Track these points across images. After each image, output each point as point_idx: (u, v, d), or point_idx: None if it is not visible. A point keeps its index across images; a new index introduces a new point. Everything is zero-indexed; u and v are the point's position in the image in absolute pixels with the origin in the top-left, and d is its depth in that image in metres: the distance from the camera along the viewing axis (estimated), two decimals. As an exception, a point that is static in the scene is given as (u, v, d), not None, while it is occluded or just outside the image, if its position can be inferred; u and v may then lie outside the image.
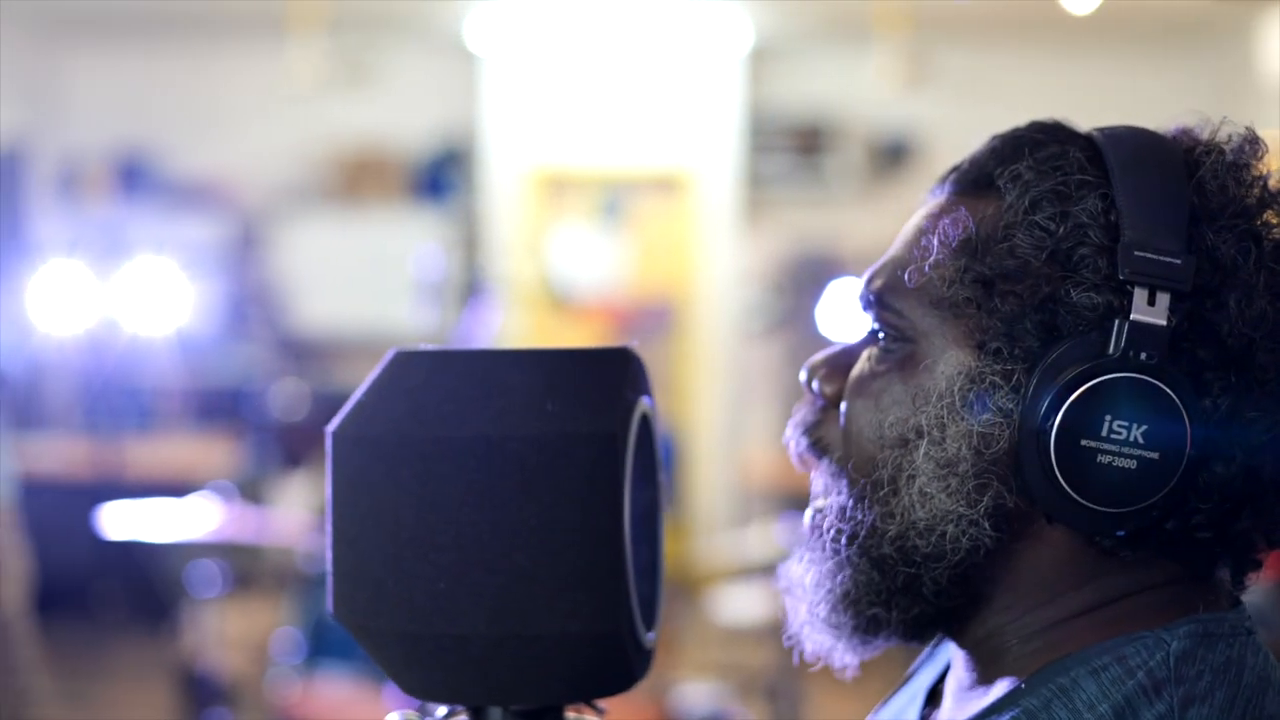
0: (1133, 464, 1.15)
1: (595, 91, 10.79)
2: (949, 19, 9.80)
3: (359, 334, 10.42)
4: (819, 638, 1.33)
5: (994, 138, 1.29)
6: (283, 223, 10.94)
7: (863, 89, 10.36)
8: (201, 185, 10.97)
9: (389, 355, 1.37)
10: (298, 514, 6.69)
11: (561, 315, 10.96)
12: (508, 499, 1.28)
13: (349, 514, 1.33)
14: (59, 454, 9.26)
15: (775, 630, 1.40)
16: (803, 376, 1.37)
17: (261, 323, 10.28)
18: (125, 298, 8.12)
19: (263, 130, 11.01)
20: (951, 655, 1.35)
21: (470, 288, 7.86)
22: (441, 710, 1.40)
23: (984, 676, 1.27)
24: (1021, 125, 1.28)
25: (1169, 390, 1.14)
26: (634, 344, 1.40)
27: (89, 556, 8.29)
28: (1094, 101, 9.74)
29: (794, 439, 1.36)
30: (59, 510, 7.86)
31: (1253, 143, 1.23)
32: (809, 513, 1.34)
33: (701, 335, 10.90)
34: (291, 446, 8.34)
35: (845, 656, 1.34)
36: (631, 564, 1.31)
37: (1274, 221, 1.20)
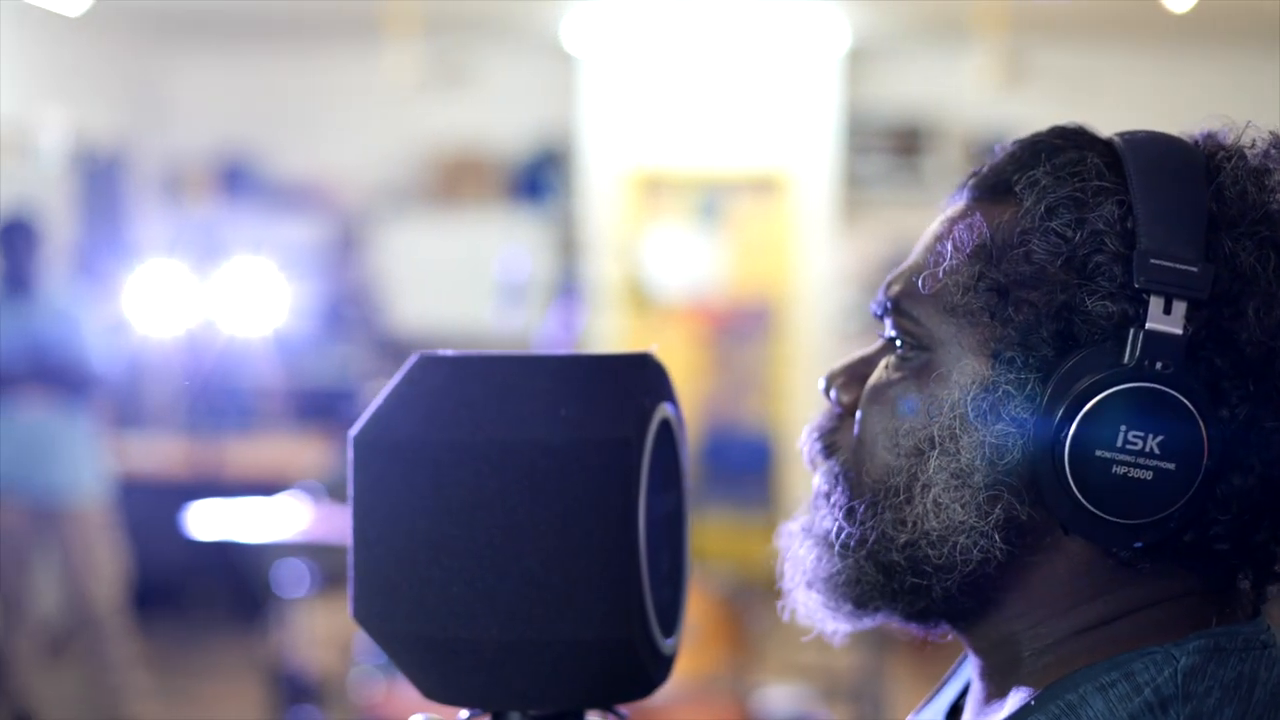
0: (1149, 475, 1.13)
1: (692, 92, 10.78)
2: (1047, 18, 9.72)
3: (455, 335, 10.45)
4: (818, 611, 1.33)
5: (1014, 143, 1.27)
6: (381, 224, 11.00)
7: (961, 89, 10.30)
8: (301, 187, 11.05)
9: (411, 360, 1.37)
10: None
11: (657, 317, 10.95)
12: (519, 504, 1.28)
13: (368, 518, 1.33)
14: (157, 453, 9.35)
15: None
16: (821, 384, 1.36)
17: (358, 323, 10.35)
18: (224, 298, 8.19)
19: (362, 132, 11.08)
20: (971, 671, 1.33)
21: (559, 289, 7.88)
22: (463, 714, 1.41)
23: (999, 689, 1.26)
24: (1043, 131, 1.27)
25: (1185, 400, 1.12)
26: (654, 350, 1.39)
27: (184, 555, 8.37)
28: (1193, 101, 9.63)
29: (807, 443, 1.35)
30: (156, 509, 7.93)
31: (1277, 147, 1.21)
32: (811, 507, 1.34)
33: (798, 337, 10.87)
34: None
35: (838, 626, 1.34)
36: (647, 570, 1.30)
37: None
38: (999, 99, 10.02)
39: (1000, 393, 1.18)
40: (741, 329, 10.96)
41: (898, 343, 1.28)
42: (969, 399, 1.20)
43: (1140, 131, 1.23)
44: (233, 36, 11.00)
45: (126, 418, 9.73)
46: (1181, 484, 1.13)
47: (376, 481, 1.33)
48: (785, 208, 10.88)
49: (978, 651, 1.29)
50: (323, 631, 6.50)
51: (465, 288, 10.48)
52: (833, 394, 1.34)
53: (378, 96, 10.73)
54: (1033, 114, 10.50)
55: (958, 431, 1.20)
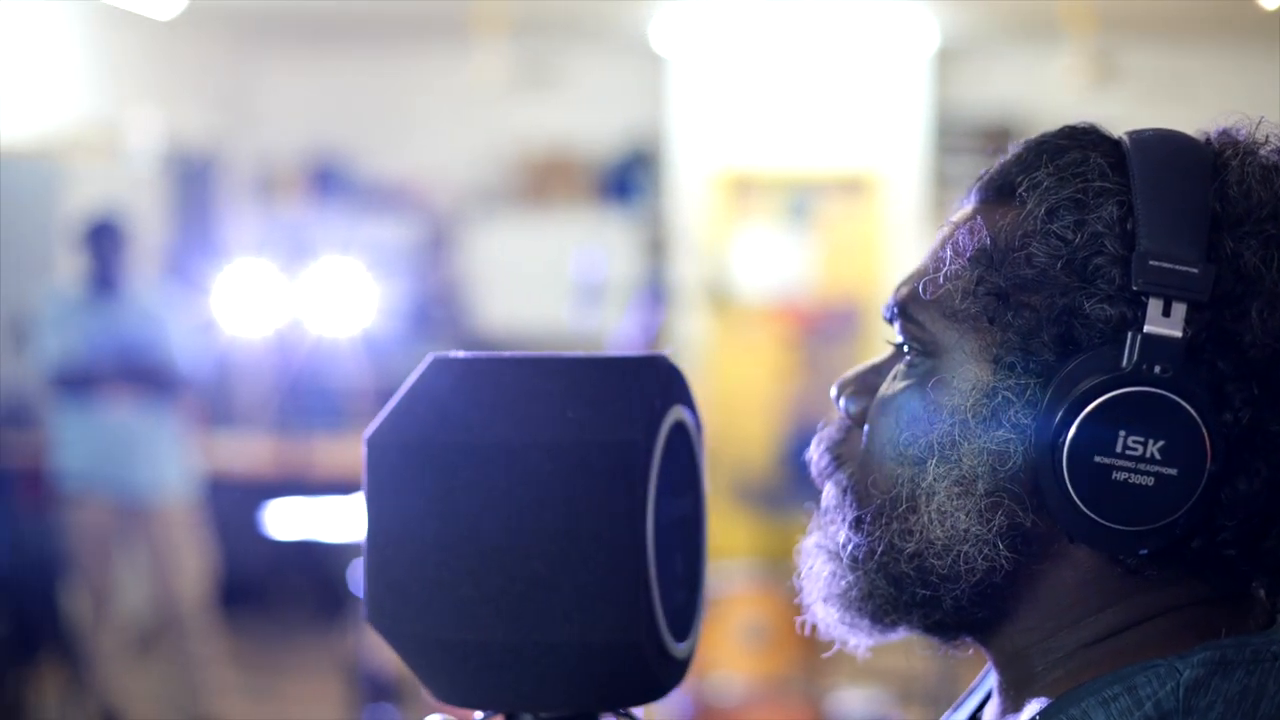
0: (1150, 481, 1.11)
1: (781, 92, 10.77)
2: (1138, 17, 9.64)
3: (543, 335, 10.48)
4: (836, 626, 1.32)
5: (1022, 143, 1.25)
6: (470, 224, 11.05)
7: (1050, 88, 10.22)
8: (392, 188, 11.12)
9: (426, 361, 1.38)
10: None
11: (744, 318, 10.94)
12: (525, 506, 1.27)
13: (379, 519, 1.34)
14: (246, 453, 9.43)
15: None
16: (833, 393, 1.35)
17: (445, 323, 10.38)
18: (313, 298, 8.24)
19: (451, 132, 11.13)
20: (993, 683, 1.32)
21: (644, 289, 7.88)
22: (478, 715, 1.41)
23: (1014, 704, 1.24)
24: (1052, 130, 1.25)
25: (1185, 404, 1.10)
26: (669, 353, 1.39)
27: (270, 553, 8.43)
28: (1289, 100, 9.51)
29: (815, 455, 1.33)
30: (244, 508, 8.00)
31: None
32: (818, 522, 1.32)
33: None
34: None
35: (858, 640, 1.32)
36: (655, 574, 1.30)
37: None
38: (1089, 98, 9.93)
39: (1000, 398, 1.16)
40: (829, 330, 10.92)
41: (906, 349, 1.27)
42: (969, 405, 1.18)
43: (1150, 129, 1.21)
44: (324, 38, 11.07)
45: (216, 417, 9.81)
46: (1185, 490, 1.11)
47: (387, 483, 1.33)
48: (874, 208, 10.85)
49: (996, 665, 1.27)
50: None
51: (552, 288, 10.50)
52: (842, 404, 1.32)
53: (467, 97, 10.77)
54: (1123, 114, 10.37)
55: (958, 439, 1.18)
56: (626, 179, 11.05)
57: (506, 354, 1.37)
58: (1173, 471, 1.11)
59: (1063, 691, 1.17)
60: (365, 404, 10.14)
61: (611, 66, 11.03)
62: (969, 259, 1.20)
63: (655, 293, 6.55)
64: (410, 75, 11.19)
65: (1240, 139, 1.20)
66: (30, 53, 8.69)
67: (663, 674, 1.35)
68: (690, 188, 10.87)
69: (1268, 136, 1.19)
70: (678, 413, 1.39)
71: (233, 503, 8.29)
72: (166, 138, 9.77)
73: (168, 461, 7.01)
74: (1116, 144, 1.20)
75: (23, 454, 7.36)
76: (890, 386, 1.26)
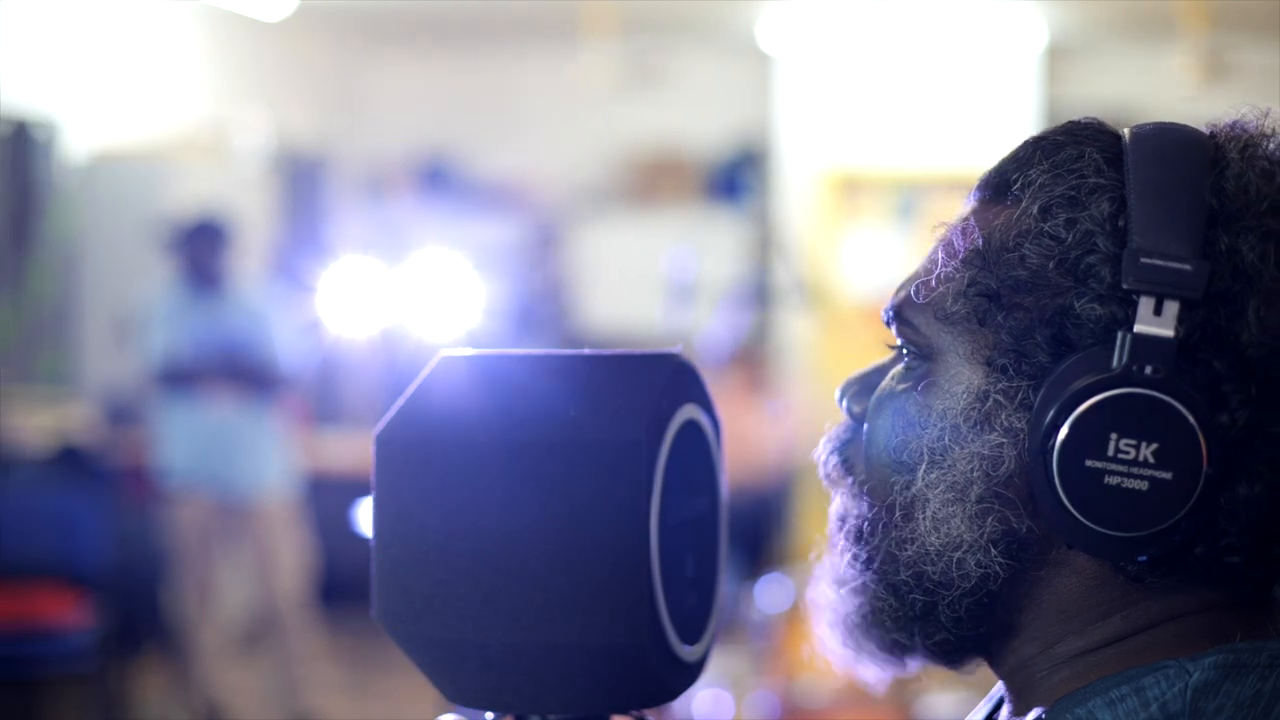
0: (1144, 485, 1.07)
1: (889, 91, 10.71)
2: (1251, 14, 9.50)
3: (646, 335, 10.49)
4: (844, 654, 1.28)
5: (1023, 141, 1.22)
6: (579, 224, 11.07)
7: (1161, 87, 10.09)
8: (500, 187, 11.16)
9: (435, 359, 1.37)
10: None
11: (850, 319, 10.89)
12: (524, 507, 1.26)
13: (384, 517, 1.33)
14: (350, 451, 9.49)
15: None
16: (837, 394, 1.32)
17: (548, 323, 10.41)
18: (418, 297, 8.27)
19: (559, 133, 11.16)
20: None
21: (733, 289, 7.85)
22: (489, 716, 1.40)
23: (1019, 709, 1.21)
24: (1053, 127, 1.22)
25: (1178, 405, 1.07)
26: (680, 350, 1.37)
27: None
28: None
29: (823, 457, 1.30)
30: (347, 506, 8.04)
31: None
32: (829, 532, 1.30)
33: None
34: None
35: (873, 672, 1.28)
36: (660, 576, 1.28)
37: None
38: (1200, 97, 9.80)
39: (991, 402, 1.13)
40: (937, 331, 10.84)
41: (904, 352, 1.24)
42: (960, 409, 1.15)
43: (1152, 123, 1.17)
44: (432, 38, 11.13)
45: (321, 415, 9.88)
46: (1181, 494, 1.07)
47: (391, 481, 1.33)
48: (983, 208, 10.75)
49: (1002, 678, 1.24)
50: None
51: (657, 288, 10.48)
52: (844, 405, 1.29)
53: (575, 97, 10.79)
54: (1233, 113, 10.27)
55: (949, 443, 1.15)
56: (734, 179, 11.03)
57: (512, 352, 1.35)
58: (1167, 475, 1.07)
59: (1068, 692, 1.14)
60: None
61: (719, 66, 11.02)
62: (961, 260, 1.17)
63: (744, 293, 6.52)
64: (518, 75, 11.23)
65: (1249, 132, 1.16)
66: (142, 55, 8.80)
67: (670, 677, 1.33)
68: (798, 187, 10.83)
69: (1275, 129, 1.16)
70: (689, 412, 1.37)
71: (336, 501, 8.34)
72: (275, 137, 9.85)
73: (269, 459, 7.07)
74: (1118, 139, 1.17)
75: (127, 451, 7.45)
76: (887, 387, 1.23)
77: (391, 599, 1.33)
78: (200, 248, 7.01)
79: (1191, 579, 1.13)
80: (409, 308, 8.36)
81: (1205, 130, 1.17)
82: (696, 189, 11.09)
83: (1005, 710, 1.25)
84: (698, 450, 1.40)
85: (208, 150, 9.04)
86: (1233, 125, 1.17)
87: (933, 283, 1.19)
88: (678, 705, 4.75)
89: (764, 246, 10.82)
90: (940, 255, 1.19)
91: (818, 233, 10.84)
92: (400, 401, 1.35)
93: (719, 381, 5.78)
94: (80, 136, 8.22)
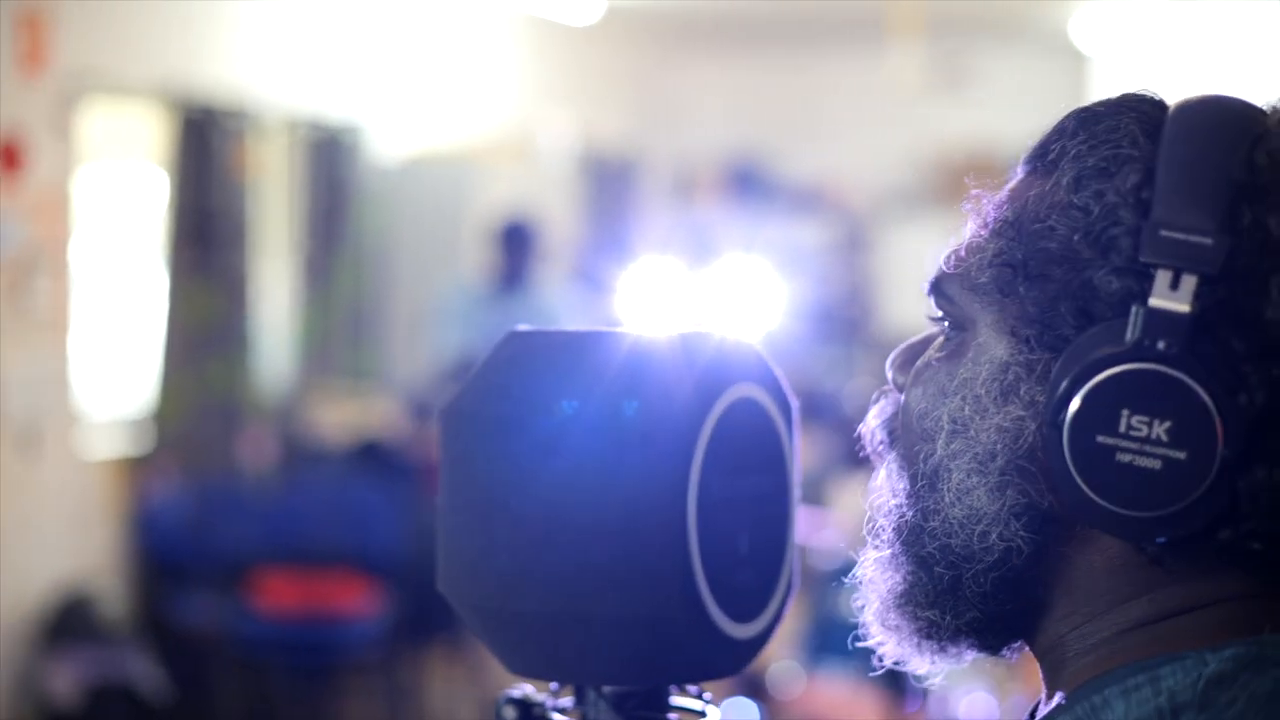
0: (1157, 464, 1.04)
1: (1209, 88, 10.41)
2: (979, 18, 9.03)
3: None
4: (887, 641, 1.26)
5: (1067, 113, 1.20)
6: (886, 226, 11.01)
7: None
8: (809, 189, 11.17)
9: (504, 336, 1.39)
10: (845, 514, 6.71)
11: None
12: (565, 479, 1.28)
13: (444, 489, 1.37)
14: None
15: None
16: (887, 364, 1.31)
17: (849, 325, 10.37)
18: (718, 298, 8.32)
19: (867, 134, 11.12)
20: None
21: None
22: (552, 688, 1.42)
23: (1049, 693, 1.19)
24: (1104, 98, 1.19)
25: (1192, 383, 1.03)
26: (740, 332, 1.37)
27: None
28: None
29: (870, 430, 1.29)
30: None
31: None
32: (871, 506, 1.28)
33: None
34: (858, 446, 8.30)
35: (921, 662, 1.26)
36: (698, 550, 1.28)
37: None
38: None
39: (1012, 373, 1.11)
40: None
41: (945, 323, 1.23)
42: (982, 379, 1.13)
43: (1199, 96, 1.15)
44: (739, 41, 11.19)
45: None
46: (1195, 475, 1.04)
47: (450, 454, 1.37)
48: None
49: (1037, 658, 1.22)
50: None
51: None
52: (890, 376, 1.28)
53: (883, 98, 10.75)
54: None
55: (972, 413, 1.13)
56: (1047, 180, 10.86)
57: (571, 330, 1.37)
58: (1181, 455, 1.04)
59: (1089, 678, 1.12)
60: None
61: (1031, 65, 10.87)
62: (993, 230, 1.16)
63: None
64: (826, 77, 11.22)
65: None
66: (453, 60, 9.02)
67: (713, 653, 1.34)
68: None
69: None
70: (744, 390, 1.37)
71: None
72: (582, 140, 10.00)
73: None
74: (1163, 110, 1.15)
75: (426, 446, 7.63)
76: (926, 357, 1.22)
77: (449, 569, 1.36)
78: (510, 248, 7.16)
79: (1220, 565, 1.09)
80: (710, 310, 8.41)
81: (1267, 107, 1.14)
82: (1008, 190, 10.95)
83: (1043, 698, 1.23)
84: (757, 429, 1.40)
85: (515, 153, 9.22)
86: None
87: (963, 252, 1.17)
88: (938, 705, 4.70)
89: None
90: (974, 226, 1.18)
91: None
92: (468, 376, 1.38)
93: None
94: (391, 140, 8.46)
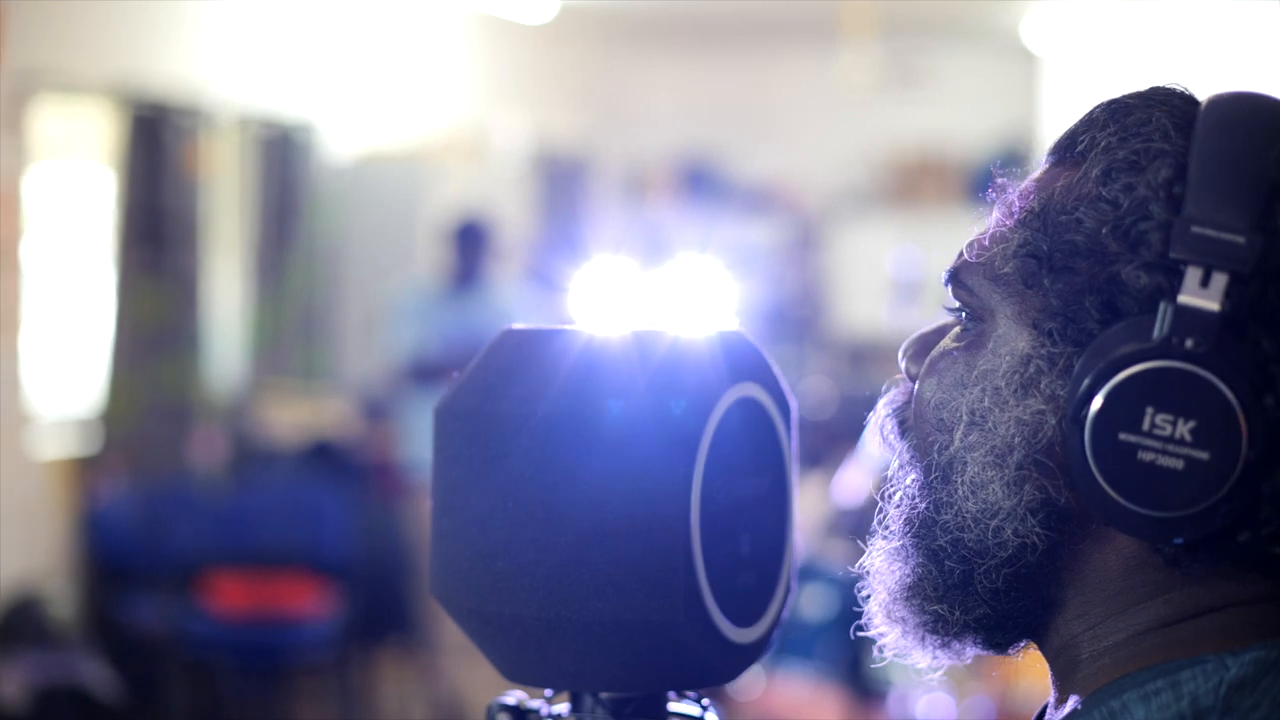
0: (1179, 464, 1.02)
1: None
2: (929, 19, 9.12)
3: (901, 336, 10.41)
4: (890, 633, 1.24)
5: (1097, 104, 1.18)
6: (839, 226, 11.02)
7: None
8: (761, 189, 11.17)
9: (499, 333, 1.36)
10: (803, 514, 6.70)
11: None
12: (559, 481, 1.26)
13: (437, 490, 1.34)
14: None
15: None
16: (899, 354, 1.28)
17: (801, 324, 10.37)
18: (669, 297, 8.31)
19: (820, 134, 11.14)
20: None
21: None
22: (547, 693, 1.39)
23: (1062, 695, 1.17)
24: (1134, 91, 1.17)
25: (1219, 383, 1.01)
26: (739, 329, 1.34)
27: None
28: None
29: (881, 419, 1.26)
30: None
31: None
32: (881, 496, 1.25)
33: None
34: (812, 446, 8.36)
35: (923, 656, 1.23)
36: (702, 553, 1.26)
37: None
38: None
39: (1034, 367, 1.09)
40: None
41: (962, 313, 1.20)
42: (1002, 371, 1.11)
43: (1233, 92, 1.12)
44: (692, 41, 11.19)
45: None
46: (1219, 476, 1.02)
47: (443, 453, 1.34)
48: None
49: (1049, 660, 1.20)
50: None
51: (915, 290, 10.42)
52: (903, 365, 1.26)
53: (836, 99, 10.77)
54: None
55: (990, 406, 1.11)
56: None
57: (565, 327, 1.35)
58: (1204, 455, 1.02)
59: (1106, 682, 1.09)
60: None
61: (982, 66, 10.90)
62: (1018, 221, 1.14)
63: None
64: (779, 77, 11.23)
65: None
66: (405, 59, 8.98)
67: (715, 658, 1.31)
68: (1063, 188, 10.65)
69: None
70: (745, 390, 1.35)
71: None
72: (535, 139, 9.97)
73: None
74: (1194, 105, 1.12)
75: (377, 446, 7.59)
76: (942, 347, 1.20)
77: (440, 571, 1.33)
78: (464, 247, 7.13)
79: (1239, 568, 1.08)
80: (662, 308, 8.40)
81: None
82: (960, 191, 10.96)
83: (1052, 699, 1.21)
84: (758, 429, 1.37)
85: (469, 152, 9.18)
86: None
87: (986, 242, 1.15)
88: (897, 705, 4.69)
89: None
90: (998, 215, 1.15)
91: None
92: (463, 374, 1.35)
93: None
94: (344, 139, 8.42)
